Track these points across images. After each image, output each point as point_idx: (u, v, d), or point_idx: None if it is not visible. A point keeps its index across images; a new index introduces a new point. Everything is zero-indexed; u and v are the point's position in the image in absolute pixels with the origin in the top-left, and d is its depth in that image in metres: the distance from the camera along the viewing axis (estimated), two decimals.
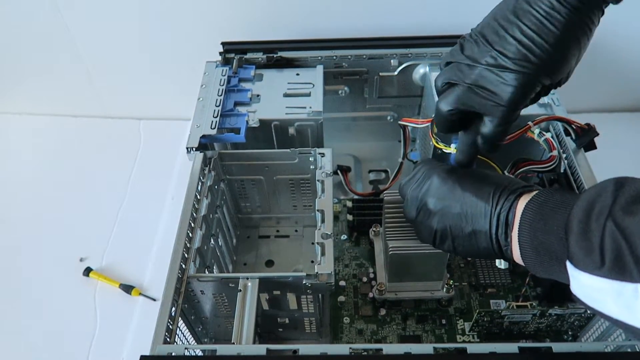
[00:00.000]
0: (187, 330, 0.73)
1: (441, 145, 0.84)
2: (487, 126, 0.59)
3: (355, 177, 1.08)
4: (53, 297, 0.98)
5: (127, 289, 0.97)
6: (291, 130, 0.90)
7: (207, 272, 0.77)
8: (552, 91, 0.88)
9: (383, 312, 0.85)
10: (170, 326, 0.64)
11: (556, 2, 0.53)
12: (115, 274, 1.00)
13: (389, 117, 1.10)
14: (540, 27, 0.54)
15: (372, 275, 0.89)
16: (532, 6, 0.54)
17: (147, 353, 0.61)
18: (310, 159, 0.85)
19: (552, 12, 0.54)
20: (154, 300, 0.96)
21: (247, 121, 0.87)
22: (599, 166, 0.80)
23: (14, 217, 1.11)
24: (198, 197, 0.78)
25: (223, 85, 0.92)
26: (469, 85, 0.58)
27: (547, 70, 0.55)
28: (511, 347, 0.58)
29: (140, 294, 0.97)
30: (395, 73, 1.00)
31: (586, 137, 0.79)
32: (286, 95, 0.93)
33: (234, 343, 0.62)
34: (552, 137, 0.84)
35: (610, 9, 1.03)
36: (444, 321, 0.83)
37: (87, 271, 1.00)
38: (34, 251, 1.05)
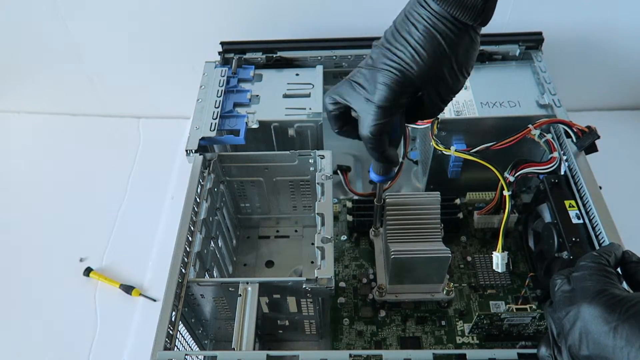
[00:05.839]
0: (188, 333, 0.73)
1: (441, 148, 0.84)
2: (361, 124, 0.60)
3: (355, 176, 1.08)
4: (53, 298, 0.98)
5: (128, 289, 0.97)
6: (291, 132, 0.89)
7: (207, 276, 0.77)
8: (552, 92, 0.89)
9: (383, 313, 0.85)
10: (171, 332, 0.64)
11: (436, 19, 0.54)
12: (116, 274, 1.01)
13: None
14: (417, 41, 0.55)
15: (372, 277, 0.89)
16: (416, 20, 0.55)
17: (147, 358, 0.61)
18: (310, 160, 0.85)
19: (430, 29, 0.55)
20: (155, 300, 0.96)
21: (246, 122, 0.87)
22: (599, 165, 0.80)
23: (14, 217, 1.11)
24: (197, 200, 0.78)
25: (222, 86, 0.92)
26: (349, 80, 0.60)
27: (416, 78, 0.56)
28: (510, 354, 0.58)
29: (140, 294, 0.97)
30: None
31: (587, 140, 0.79)
32: (286, 96, 0.92)
33: (234, 349, 0.62)
34: (552, 138, 0.84)
35: (609, 7, 1.03)
36: (443, 322, 0.84)
37: (87, 271, 1.00)
38: (34, 251, 1.05)
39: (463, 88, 0.90)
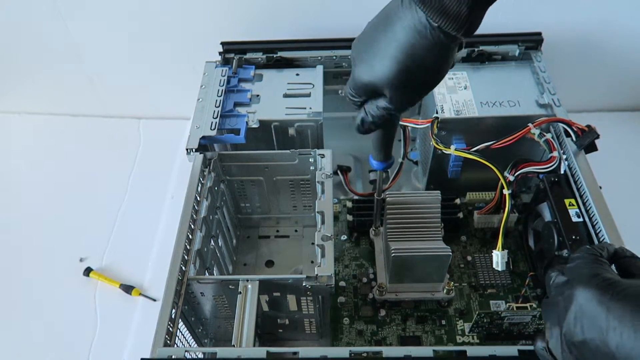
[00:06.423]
0: (187, 331, 0.73)
1: (441, 147, 0.84)
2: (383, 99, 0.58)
3: (355, 177, 1.08)
4: (53, 297, 0.98)
5: (127, 289, 0.97)
6: (291, 131, 0.90)
7: (207, 274, 0.77)
8: (551, 91, 0.89)
9: (383, 312, 0.85)
10: (171, 329, 0.64)
11: (415, 26, 0.51)
12: (115, 274, 1.00)
13: None
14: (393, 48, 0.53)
15: (372, 276, 0.89)
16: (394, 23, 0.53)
17: (147, 355, 0.61)
18: (310, 160, 0.85)
19: (407, 37, 0.52)
20: (154, 300, 0.96)
21: (246, 122, 0.87)
22: (599, 166, 0.80)
23: (14, 217, 1.11)
24: (198, 198, 0.78)
25: (223, 85, 0.92)
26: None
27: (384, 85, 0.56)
28: (511, 350, 0.58)
29: (140, 294, 0.97)
30: None
31: (587, 139, 0.79)
32: (286, 95, 0.93)
33: (234, 346, 0.62)
34: (552, 137, 0.84)
35: (609, 7, 1.04)
36: (443, 322, 0.83)
37: (87, 271, 1.00)
38: (34, 251, 1.05)
39: (463, 88, 0.91)
